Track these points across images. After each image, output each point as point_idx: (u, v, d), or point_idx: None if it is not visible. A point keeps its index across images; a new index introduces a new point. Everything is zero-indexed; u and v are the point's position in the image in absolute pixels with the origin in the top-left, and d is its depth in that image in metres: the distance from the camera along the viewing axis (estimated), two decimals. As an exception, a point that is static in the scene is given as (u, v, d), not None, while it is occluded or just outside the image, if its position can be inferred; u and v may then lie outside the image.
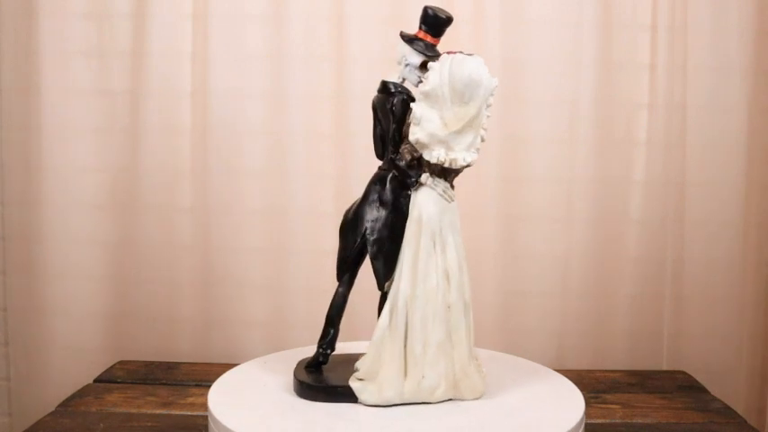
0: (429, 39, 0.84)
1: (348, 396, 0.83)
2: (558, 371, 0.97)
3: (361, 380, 0.83)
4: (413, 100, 0.83)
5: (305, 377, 0.86)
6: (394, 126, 0.84)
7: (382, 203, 0.85)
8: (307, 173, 1.30)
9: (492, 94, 0.82)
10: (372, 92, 0.87)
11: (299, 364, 0.90)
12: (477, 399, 0.85)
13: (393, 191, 0.85)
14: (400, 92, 0.84)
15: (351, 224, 0.86)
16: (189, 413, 1.04)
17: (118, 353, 1.32)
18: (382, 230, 0.84)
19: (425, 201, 0.83)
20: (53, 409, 1.05)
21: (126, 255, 1.33)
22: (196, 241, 1.32)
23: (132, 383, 1.17)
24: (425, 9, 0.85)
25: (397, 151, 0.84)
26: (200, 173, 1.31)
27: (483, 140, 0.83)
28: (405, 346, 0.83)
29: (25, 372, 1.35)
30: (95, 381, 1.18)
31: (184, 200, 1.32)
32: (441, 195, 0.83)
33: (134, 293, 1.33)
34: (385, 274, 0.84)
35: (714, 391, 1.18)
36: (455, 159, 0.81)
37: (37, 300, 1.33)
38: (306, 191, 1.30)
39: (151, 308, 1.33)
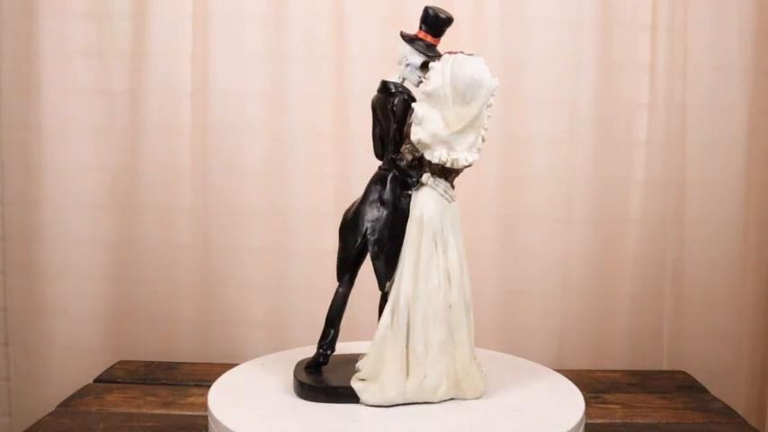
0: (429, 39, 0.84)
1: (349, 396, 0.83)
2: (558, 371, 0.97)
3: (362, 380, 0.83)
4: (413, 100, 0.83)
5: (305, 378, 0.86)
6: (395, 126, 0.84)
7: (383, 203, 0.85)
8: (307, 173, 1.30)
9: (493, 95, 0.82)
10: (372, 92, 0.87)
11: (299, 364, 0.90)
12: (477, 398, 0.85)
13: (393, 191, 0.85)
14: (401, 92, 0.84)
15: (351, 224, 0.86)
16: (189, 413, 1.04)
17: (118, 353, 1.32)
18: (383, 230, 0.84)
19: (426, 201, 0.83)
20: (53, 409, 1.05)
21: (126, 255, 1.33)
22: (196, 241, 1.32)
23: (132, 383, 1.17)
24: (426, 9, 0.85)
25: (397, 151, 0.84)
26: (201, 173, 1.31)
27: (484, 140, 0.83)
28: (407, 346, 0.83)
29: (25, 372, 1.35)
30: (95, 381, 1.18)
31: (184, 200, 1.32)
32: (442, 195, 0.83)
33: (134, 293, 1.33)
34: (386, 275, 0.84)
35: (714, 391, 1.18)
36: (457, 159, 0.81)
37: (37, 300, 1.33)
38: (306, 191, 1.30)
39: (151, 308, 1.33)
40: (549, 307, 1.31)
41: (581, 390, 0.89)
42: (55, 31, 1.29)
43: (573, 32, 1.27)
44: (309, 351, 0.91)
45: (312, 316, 1.16)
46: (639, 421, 1.03)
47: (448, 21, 0.85)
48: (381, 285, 0.85)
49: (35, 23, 1.28)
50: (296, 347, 1.03)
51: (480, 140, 0.83)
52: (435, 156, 0.81)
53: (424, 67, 0.84)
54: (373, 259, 0.84)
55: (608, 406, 1.08)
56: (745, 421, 1.05)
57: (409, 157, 0.83)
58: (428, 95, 0.81)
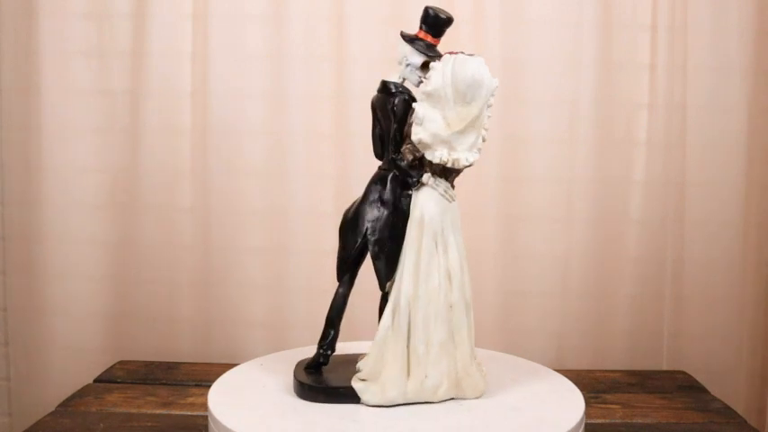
0: (429, 39, 0.84)
1: (349, 397, 0.83)
2: (558, 371, 0.97)
3: (363, 380, 0.83)
4: (414, 100, 0.83)
5: (305, 378, 0.86)
6: (395, 126, 0.84)
7: (383, 203, 0.85)
8: (307, 173, 1.30)
9: (493, 95, 0.82)
10: (372, 92, 0.87)
11: (299, 364, 0.90)
12: (478, 398, 0.85)
13: (394, 190, 0.85)
14: (401, 92, 0.84)
15: (351, 224, 0.86)
16: (189, 413, 1.04)
17: (118, 353, 1.32)
18: (383, 230, 0.84)
19: (427, 201, 0.83)
20: (53, 409, 1.05)
21: (126, 255, 1.33)
22: (196, 241, 1.32)
23: (132, 383, 1.17)
24: (426, 9, 0.85)
25: (398, 151, 0.84)
26: (201, 173, 1.31)
27: (484, 140, 0.83)
28: (408, 346, 0.83)
29: (25, 372, 1.35)
30: (95, 381, 1.18)
31: (184, 200, 1.32)
32: (442, 195, 0.83)
33: (134, 293, 1.33)
34: (387, 275, 0.84)
35: (714, 391, 1.18)
36: (458, 159, 0.81)
37: (37, 300, 1.33)
38: (306, 191, 1.30)
39: (151, 308, 1.33)
40: (549, 307, 1.31)
41: (581, 390, 0.89)
42: (55, 31, 1.29)
43: (573, 32, 1.27)
44: (309, 351, 0.91)
45: (312, 316, 1.16)
46: (639, 421, 1.03)
47: (448, 21, 0.85)
48: (382, 285, 0.85)
49: (35, 23, 1.28)
50: (296, 347, 1.03)
51: (481, 140, 0.83)
52: (436, 156, 0.81)
53: (425, 67, 0.84)
54: (374, 259, 0.84)
55: (608, 406, 1.08)
56: (745, 421, 1.05)
57: (410, 157, 0.83)
58: (429, 95, 0.81)
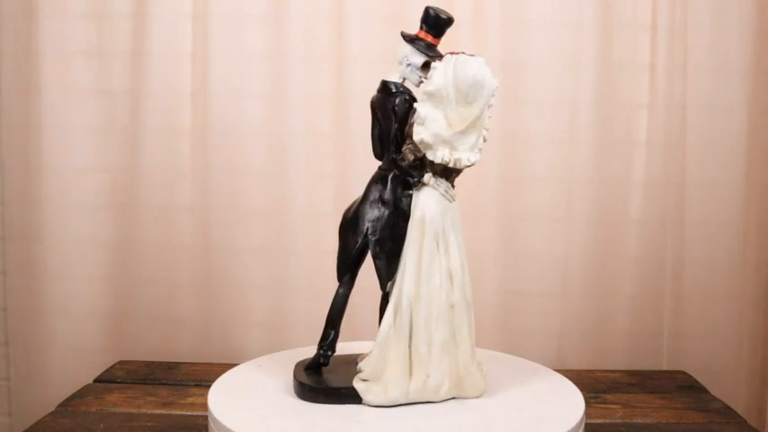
0: (430, 39, 0.84)
1: (351, 397, 0.83)
2: (558, 371, 0.97)
3: (365, 380, 0.83)
4: (414, 100, 0.83)
5: (306, 379, 0.86)
6: (396, 126, 0.84)
7: (384, 203, 0.85)
8: (307, 173, 1.30)
9: (493, 95, 0.82)
10: (372, 92, 0.87)
11: (298, 365, 0.90)
12: (478, 397, 0.85)
13: (394, 190, 0.85)
14: (402, 92, 0.84)
15: (351, 224, 0.86)
16: (189, 413, 1.04)
17: (118, 353, 1.32)
18: (384, 230, 0.84)
19: (428, 201, 0.83)
20: (53, 409, 1.05)
21: (126, 255, 1.33)
22: (196, 241, 1.32)
23: (132, 383, 1.17)
24: (427, 9, 0.85)
25: (398, 151, 0.84)
26: (201, 173, 1.31)
27: (485, 140, 0.83)
28: (409, 346, 0.83)
29: (25, 372, 1.35)
30: (95, 381, 1.18)
31: (184, 200, 1.32)
32: (443, 195, 0.83)
33: (134, 294, 1.33)
34: (387, 274, 0.84)
35: (714, 391, 1.18)
36: (459, 159, 0.81)
37: (37, 300, 1.33)
38: (306, 191, 1.30)
39: (151, 308, 1.33)
40: (549, 307, 1.31)
41: (581, 390, 0.89)
42: (55, 31, 1.29)
43: (573, 32, 1.27)
44: (309, 351, 0.91)
45: (312, 316, 1.16)
46: (639, 421, 1.03)
47: (449, 21, 0.85)
48: (383, 285, 0.85)
49: (35, 23, 1.28)
50: (296, 347, 1.03)
51: (482, 140, 0.83)
52: (438, 156, 0.81)
53: (425, 67, 0.84)
54: (374, 259, 0.84)
55: (608, 406, 1.08)
56: (745, 421, 1.05)
57: (411, 157, 0.83)
58: (431, 95, 0.81)
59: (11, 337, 1.36)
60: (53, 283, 1.32)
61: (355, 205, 0.87)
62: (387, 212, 0.84)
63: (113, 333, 1.34)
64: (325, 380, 0.86)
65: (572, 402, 0.86)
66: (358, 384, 0.83)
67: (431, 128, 0.81)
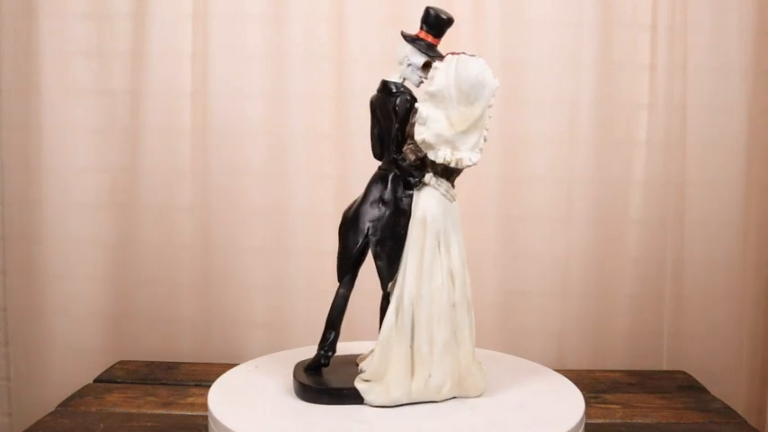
0: (430, 39, 0.84)
1: (352, 398, 0.82)
2: (558, 371, 0.97)
3: (366, 381, 0.83)
4: (415, 100, 0.83)
5: (306, 380, 0.85)
6: (397, 126, 0.84)
7: (384, 203, 0.84)
8: (307, 173, 1.30)
9: (494, 95, 0.82)
10: (372, 92, 0.87)
11: (298, 365, 0.90)
12: (479, 396, 0.85)
13: (394, 190, 0.84)
14: (402, 92, 0.84)
15: (351, 225, 0.86)
16: (189, 413, 1.04)
17: (118, 353, 1.32)
18: (385, 230, 0.84)
19: (429, 201, 0.83)
20: (53, 409, 1.05)
21: (126, 255, 1.33)
22: (196, 241, 1.32)
23: (132, 383, 1.17)
24: (427, 9, 0.85)
25: (399, 151, 0.84)
26: (201, 173, 1.31)
27: (485, 140, 0.83)
28: (411, 346, 0.83)
29: (25, 372, 1.35)
30: (95, 381, 1.18)
31: (184, 200, 1.32)
32: (443, 195, 0.83)
33: (134, 294, 1.33)
34: (388, 274, 0.84)
35: (714, 391, 1.18)
36: (461, 159, 0.82)
37: (37, 300, 1.33)
38: (306, 191, 1.30)
39: (151, 308, 1.33)
40: (549, 307, 1.31)
41: (581, 390, 0.89)
42: (55, 31, 1.29)
43: (573, 32, 1.27)
44: (309, 351, 0.91)
45: (312, 316, 1.16)
46: (639, 421, 1.03)
47: (449, 21, 0.85)
48: (384, 285, 0.85)
49: (35, 23, 1.28)
50: (296, 348, 1.03)
51: (482, 140, 0.83)
52: (440, 156, 0.81)
53: (425, 67, 0.84)
54: (375, 259, 0.84)
55: (608, 406, 1.08)
56: (745, 421, 1.05)
57: (412, 157, 0.83)
58: (432, 96, 0.81)
59: (11, 337, 1.36)
60: (53, 283, 1.32)
61: (355, 205, 0.87)
62: (387, 212, 0.84)
63: (113, 333, 1.34)
64: (326, 380, 0.86)
65: (572, 402, 0.86)
66: (360, 385, 0.83)
67: (432, 128, 0.81)
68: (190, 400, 1.09)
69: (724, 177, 1.29)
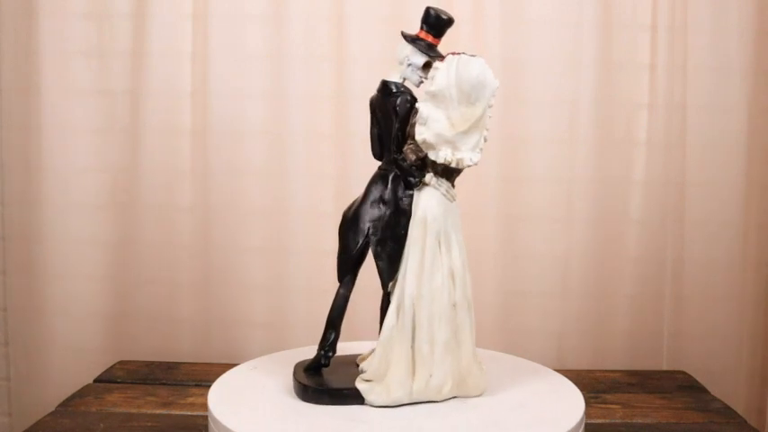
0: (431, 39, 0.85)
1: (353, 398, 0.82)
2: (558, 371, 0.97)
3: (367, 381, 0.83)
4: (416, 100, 0.83)
5: (307, 380, 0.85)
6: (397, 126, 0.84)
7: (384, 203, 0.84)
8: (307, 173, 1.30)
9: (494, 95, 0.82)
10: (372, 92, 0.87)
11: (298, 366, 0.89)
12: (479, 395, 0.85)
13: (394, 190, 0.84)
14: (403, 92, 0.84)
15: (351, 225, 0.86)
16: (189, 413, 1.04)
17: (118, 353, 1.32)
18: (385, 230, 0.84)
19: (429, 201, 0.83)
20: (53, 409, 1.05)
21: (126, 255, 1.33)
22: (196, 241, 1.32)
23: (132, 383, 1.17)
24: (427, 9, 0.85)
25: (399, 151, 0.84)
26: (201, 173, 1.31)
27: (485, 140, 0.83)
28: (412, 346, 0.83)
29: (25, 372, 1.35)
30: (95, 381, 1.18)
31: (184, 200, 1.32)
32: (444, 195, 0.83)
33: (134, 294, 1.33)
34: (389, 274, 0.84)
35: (714, 391, 1.18)
36: (461, 159, 0.82)
37: (37, 300, 1.33)
38: (306, 191, 1.30)
39: (151, 308, 1.33)
40: (550, 307, 1.31)
41: (581, 390, 0.89)
42: (55, 31, 1.29)
43: (573, 32, 1.27)
44: (309, 351, 0.91)
45: (312, 316, 1.16)
46: (639, 421, 1.03)
47: (449, 21, 0.85)
48: (384, 285, 0.85)
49: (35, 23, 1.28)
50: (296, 348, 1.03)
51: (483, 140, 0.83)
52: (440, 156, 0.81)
53: (426, 67, 0.84)
54: (376, 259, 0.84)
55: (608, 406, 1.08)
56: (745, 421, 1.05)
57: (413, 157, 0.83)
58: (433, 96, 0.81)
59: (11, 337, 1.36)
60: (53, 283, 1.32)
61: (355, 205, 0.87)
62: (388, 212, 0.84)
63: (113, 333, 1.34)
64: (326, 381, 0.86)
65: (572, 402, 0.86)
66: (360, 385, 0.83)
67: (433, 128, 0.81)
68: (190, 400, 1.09)
69: (724, 177, 1.29)
